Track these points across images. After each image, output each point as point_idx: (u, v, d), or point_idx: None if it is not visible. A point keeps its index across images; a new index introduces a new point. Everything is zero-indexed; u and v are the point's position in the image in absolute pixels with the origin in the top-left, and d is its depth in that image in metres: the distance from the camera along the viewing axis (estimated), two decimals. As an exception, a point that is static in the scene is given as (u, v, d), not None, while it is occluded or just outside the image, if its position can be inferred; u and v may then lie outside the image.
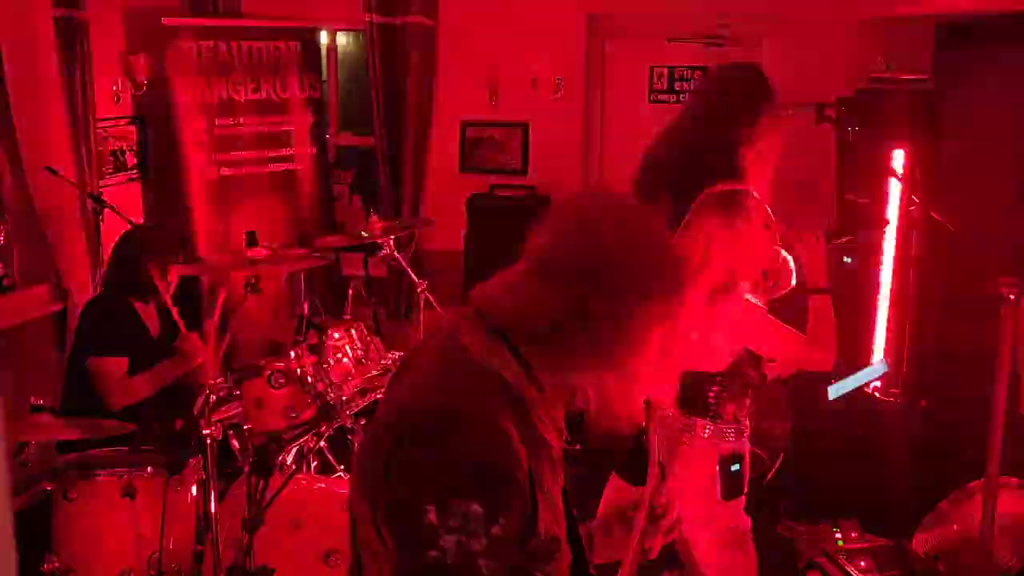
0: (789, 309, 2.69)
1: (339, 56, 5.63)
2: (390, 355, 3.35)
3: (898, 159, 4.03)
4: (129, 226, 4.05)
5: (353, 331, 3.32)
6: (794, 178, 4.82)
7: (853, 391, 3.90)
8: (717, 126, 2.82)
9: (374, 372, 3.24)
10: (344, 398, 3.07)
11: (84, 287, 4.34)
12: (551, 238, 1.31)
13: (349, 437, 3.45)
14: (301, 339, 3.31)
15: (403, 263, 4.31)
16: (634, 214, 1.37)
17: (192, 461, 2.95)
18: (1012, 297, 2.27)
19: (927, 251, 3.91)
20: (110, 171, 4.81)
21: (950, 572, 3.02)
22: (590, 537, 1.64)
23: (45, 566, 2.76)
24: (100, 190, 4.47)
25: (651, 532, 1.59)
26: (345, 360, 3.24)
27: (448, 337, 1.35)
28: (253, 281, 3.79)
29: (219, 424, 3.18)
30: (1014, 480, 3.02)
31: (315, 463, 3.47)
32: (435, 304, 3.94)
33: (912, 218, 3.89)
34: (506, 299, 1.32)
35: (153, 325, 3.57)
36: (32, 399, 2.83)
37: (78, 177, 4.30)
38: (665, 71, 5.15)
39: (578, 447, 1.54)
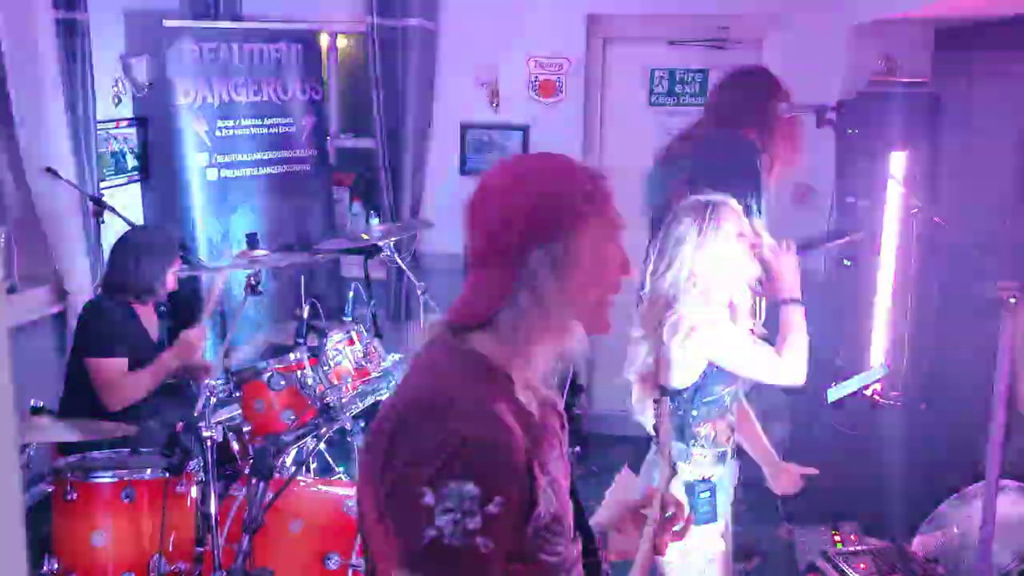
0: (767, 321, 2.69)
1: (340, 58, 5.64)
2: (390, 357, 3.35)
3: (898, 162, 4.03)
4: (129, 228, 4.06)
5: (353, 334, 3.32)
6: (793, 180, 4.87)
7: (853, 394, 3.92)
8: (730, 123, 2.85)
9: (374, 374, 3.24)
10: (344, 400, 3.08)
11: (84, 289, 4.34)
12: (471, 231, 1.38)
13: (349, 439, 3.46)
14: (301, 341, 3.31)
15: (403, 266, 4.31)
16: (520, 163, 1.48)
17: (192, 463, 2.95)
18: (1012, 301, 2.28)
19: (926, 254, 3.91)
20: (111, 173, 4.81)
21: (950, 575, 3.02)
22: (604, 534, 1.65)
23: (45, 568, 2.76)
24: (100, 192, 4.47)
25: (662, 530, 1.61)
26: (345, 363, 3.24)
27: (433, 341, 1.41)
28: (253, 283, 3.81)
29: (219, 426, 3.19)
30: (1013, 483, 3.03)
31: (315, 465, 3.47)
32: (435, 307, 3.95)
33: (912, 221, 3.89)
34: (459, 302, 1.40)
35: (152, 327, 3.57)
36: (32, 401, 2.83)
37: (78, 179, 4.30)
38: (665, 74, 5.16)
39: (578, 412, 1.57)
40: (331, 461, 3.57)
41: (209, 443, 2.92)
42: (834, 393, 3.80)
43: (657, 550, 1.59)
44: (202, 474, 2.95)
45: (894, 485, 3.64)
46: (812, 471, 2.67)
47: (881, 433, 3.88)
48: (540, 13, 5.06)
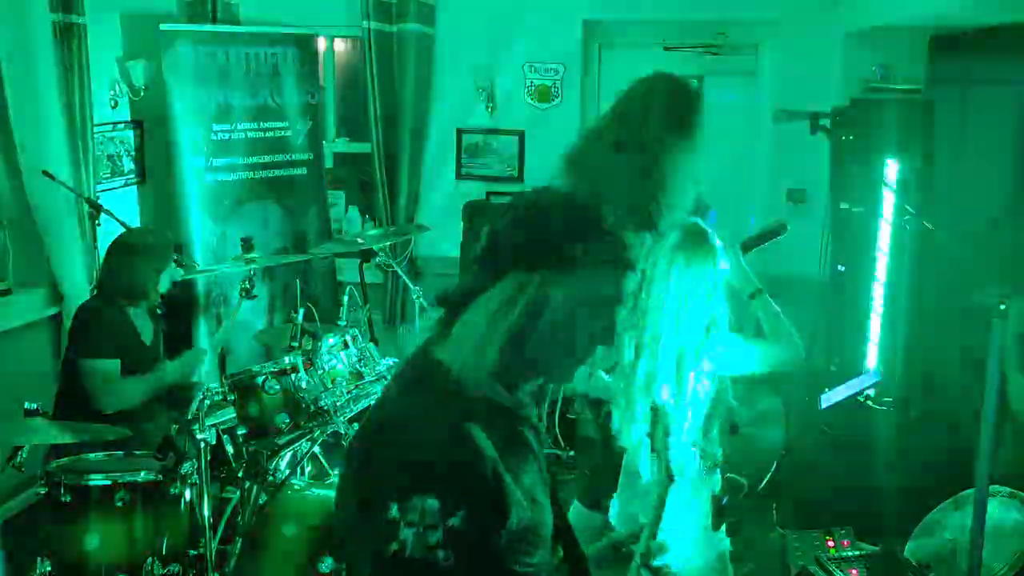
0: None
1: (336, 62, 5.65)
2: (384, 361, 3.36)
3: (892, 169, 4.05)
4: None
5: (348, 337, 3.32)
6: (787, 186, 4.89)
7: (846, 399, 3.93)
8: (633, 128, 2.83)
9: (368, 378, 3.24)
10: (338, 404, 3.08)
11: (80, 292, 4.33)
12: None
13: (343, 443, 3.45)
14: (296, 345, 3.31)
15: (398, 269, 4.32)
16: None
17: (186, 466, 2.95)
18: (1003, 307, 2.28)
19: (919, 260, 3.93)
20: (107, 176, 4.82)
21: (941, 581, 3.03)
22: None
23: (38, 571, 2.75)
24: (97, 195, 4.47)
25: (643, 570, 1.63)
26: (339, 366, 3.24)
27: (414, 355, 1.45)
28: (248, 287, 3.82)
29: (213, 429, 3.19)
30: (1005, 489, 3.03)
31: (309, 469, 3.47)
32: (430, 311, 3.95)
33: (905, 228, 3.91)
34: (452, 346, 1.39)
35: (146, 330, 3.57)
36: (26, 403, 2.84)
37: (75, 181, 4.30)
38: (661, 79, 5.16)
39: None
40: (325, 464, 3.56)
41: (203, 446, 2.93)
42: (827, 399, 3.82)
43: None
44: (196, 477, 2.95)
45: (887, 490, 3.65)
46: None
47: (874, 439, 3.89)
48: (536, 18, 5.07)
